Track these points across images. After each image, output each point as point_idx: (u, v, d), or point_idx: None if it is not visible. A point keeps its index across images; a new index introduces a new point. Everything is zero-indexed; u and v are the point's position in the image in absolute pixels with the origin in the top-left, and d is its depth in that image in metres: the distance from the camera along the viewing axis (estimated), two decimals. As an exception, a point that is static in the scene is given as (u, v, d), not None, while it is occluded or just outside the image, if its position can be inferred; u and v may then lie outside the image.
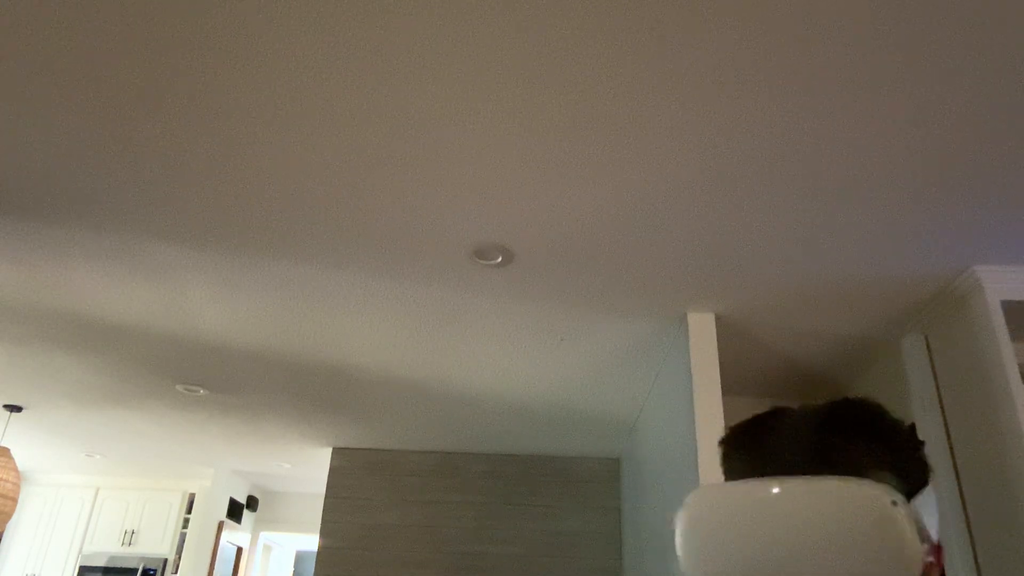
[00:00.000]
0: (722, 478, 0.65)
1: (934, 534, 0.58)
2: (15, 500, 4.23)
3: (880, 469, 0.56)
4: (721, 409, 2.73)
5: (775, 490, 0.54)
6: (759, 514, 0.55)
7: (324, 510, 5.12)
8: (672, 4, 1.52)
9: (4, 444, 5.29)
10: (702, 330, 2.88)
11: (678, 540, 0.60)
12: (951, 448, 2.72)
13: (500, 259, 2.55)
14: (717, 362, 2.81)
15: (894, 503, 0.53)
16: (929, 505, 0.57)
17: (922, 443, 0.62)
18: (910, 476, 0.57)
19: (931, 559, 0.56)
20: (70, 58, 1.72)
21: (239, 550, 6.64)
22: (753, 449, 0.61)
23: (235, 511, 6.38)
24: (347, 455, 5.28)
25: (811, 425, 0.60)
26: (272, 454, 5.50)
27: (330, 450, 5.30)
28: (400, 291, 2.83)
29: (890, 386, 3.23)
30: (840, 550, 0.51)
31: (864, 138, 1.90)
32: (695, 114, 1.83)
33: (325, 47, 1.66)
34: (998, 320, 2.45)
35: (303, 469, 5.89)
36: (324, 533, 5.05)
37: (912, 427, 0.60)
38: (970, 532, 2.57)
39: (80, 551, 5.95)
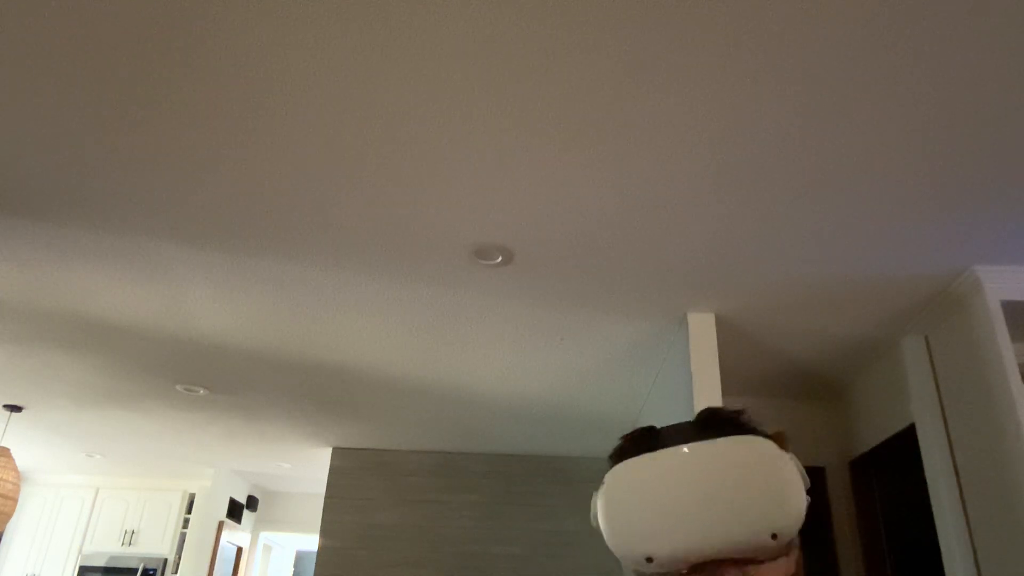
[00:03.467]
0: None
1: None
2: (15, 500, 4.23)
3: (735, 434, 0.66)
4: (721, 409, 2.73)
5: (685, 450, 0.64)
6: (673, 474, 0.64)
7: (324, 510, 5.12)
8: (673, 4, 1.52)
9: (4, 444, 5.29)
10: (702, 330, 2.88)
11: (602, 518, 0.67)
12: (951, 448, 2.72)
13: (500, 259, 2.55)
14: (717, 362, 2.81)
15: (772, 448, 0.64)
16: None
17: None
18: None
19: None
20: (70, 60, 1.72)
21: (239, 550, 6.64)
22: (645, 441, 0.69)
23: (235, 511, 6.37)
24: (347, 455, 5.28)
25: (690, 426, 0.69)
26: (272, 454, 5.50)
27: (330, 450, 5.30)
28: (400, 291, 2.83)
29: (890, 386, 3.23)
30: (745, 490, 0.61)
31: (864, 140, 1.90)
32: (696, 115, 1.83)
33: (325, 47, 1.66)
34: (998, 320, 2.45)
35: (303, 469, 5.89)
36: (324, 533, 5.04)
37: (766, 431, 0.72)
38: (970, 532, 2.57)
39: (80, 551, 5.94)
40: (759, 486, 0.62)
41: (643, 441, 0.71)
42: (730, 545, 0.61)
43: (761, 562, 0.62)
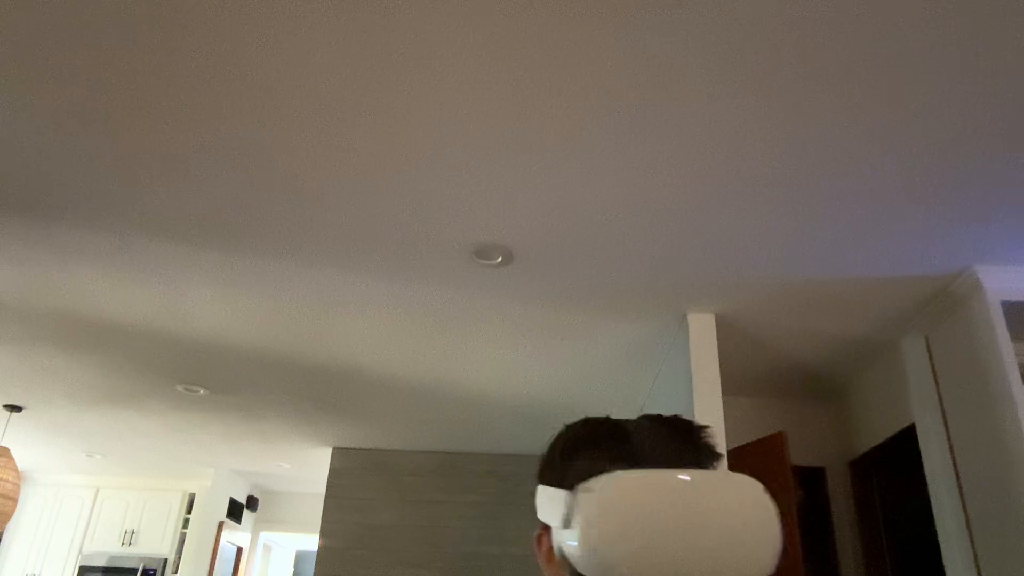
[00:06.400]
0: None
1: None
2: (15, 500, 4.23)
3: (718, 462, 0.67)
4: (721, 409, 2.73)
5: (686, 478, 0.62)
6: (676, 500, 0.61)
7: (324, 510, 5.12)
8: (680, 5, 1.52)
9: (4, 444, 5.29)
10: (702, 330, 2.88)
11: (585, 522, 0.61)
12: (951, 448, 2.72)
13: (500, 259, 2.55)
14: (717, 362, 2.81)
15: (764, 490, 0.63)
16: None
17: None
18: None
19: None
20: (70, 60, 1.72)
21: (239, 550, 6.64)
22: (619, 446, 0.67)
23: (235, 511, 6.37)
24: (347, 455, 5.28)
25: (675, 440, 0.68)
26: (272, 454, 5.49)
27: (330, 450, 5.30)
28: (400, 291, 2.83)
29: (890, 386, 3.23)
30: (744, 528, 0.60)
31: (864, 140, 1.90)
32: (696, 116, 1.83)
33: (325, 47, 1.66)
34: (998, 320, 2.45)
35: (303, 469, 5.89)
36: (324, 533, 5.04)
37: None
38: (970, 532, 2.57)
39: (80, 551, 5.94)
40: (757, 523, 0.61)
41: (608, 437, 0.69)
42: None
43: None
